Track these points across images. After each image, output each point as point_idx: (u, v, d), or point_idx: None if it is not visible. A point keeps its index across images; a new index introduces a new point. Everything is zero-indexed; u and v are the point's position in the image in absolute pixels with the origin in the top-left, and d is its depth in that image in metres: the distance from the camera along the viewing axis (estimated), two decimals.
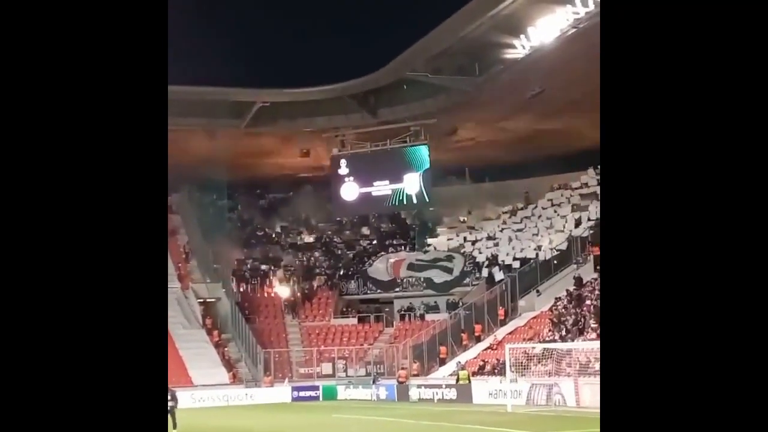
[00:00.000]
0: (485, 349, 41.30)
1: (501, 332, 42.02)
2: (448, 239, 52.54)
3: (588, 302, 37.60)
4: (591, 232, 43.51)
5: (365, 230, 57.13)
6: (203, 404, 39.86)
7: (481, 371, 38.70)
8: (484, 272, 47.67)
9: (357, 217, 56.49)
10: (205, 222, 53.65)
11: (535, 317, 41.53)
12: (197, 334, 46.69)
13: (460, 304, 46.59)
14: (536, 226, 49.53)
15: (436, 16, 36.86)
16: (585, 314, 36.84)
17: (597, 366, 28.28)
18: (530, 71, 37.56)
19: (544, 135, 46.74)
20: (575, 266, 43.01)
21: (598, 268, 39.38)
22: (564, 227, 47.45)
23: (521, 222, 50.96)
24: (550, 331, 38.29)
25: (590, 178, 48.76)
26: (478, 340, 43.16)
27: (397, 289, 50.54)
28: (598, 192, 42.54)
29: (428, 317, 48.47)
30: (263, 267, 54.45)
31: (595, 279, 39.21)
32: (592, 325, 35.00)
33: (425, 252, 51.85)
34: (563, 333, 36.93)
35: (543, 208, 50.68)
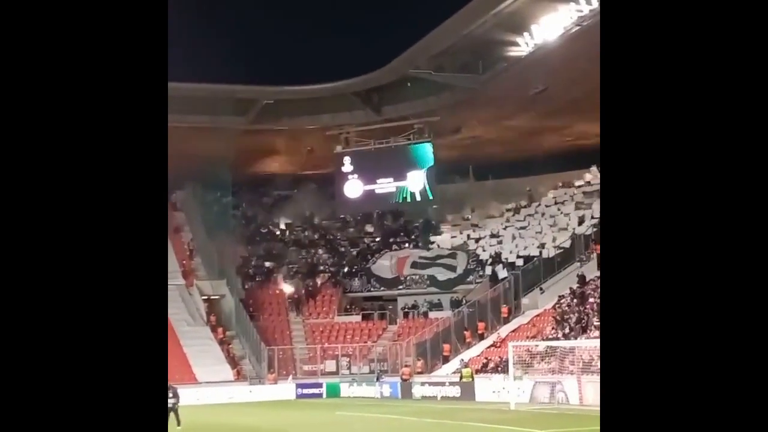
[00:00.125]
0: (488, 347, 41.33)
1: (504, 330, 42.04)
2: (452, 237, 52.55)
3: (591, 300, 37.60)
4: (594, 230, 43.51)
5: (369, 228, 57.16)
6: (207, 401, 39.92)
7: (484, 369, 38.73)
8: (488, 270, 47.70)
9: (361, 215, 56.50)
10: (209, 219, 53.73)
11: (538, 315, 41.54)
12: (201, 331, 46.78)
13: (464, 301, 46.63)
14: (540, 224, 49.55)
15: (439, 13, 36.88)
16: (588, 312, 36.84)
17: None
18: (534, 69, 37.54)
19: (548, 133, 46.73)
20: (578, 264, 43.02)
21: None
22: (567, 225, 47.47)
23: (525, 220, 50.96)
24: (553, 329, 38.31)
25: (594, 176, 48.73)
26: (482, 337, 43.20)
27: (401, 287, 50.59)
28: None
29: (432, 315, 48.53)
30: (267, 264, 54.54)
31: (599, 277, 39.20)
32: (596, 323, 34.99)
33: (429, 249, 51.88)
34: (566, 331, 36.95)
35: (546, 206, 50.69)
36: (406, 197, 47.19)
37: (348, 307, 51.93)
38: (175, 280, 47.28)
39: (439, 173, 46.83)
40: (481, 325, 43.70)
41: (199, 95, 43.39)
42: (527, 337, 39.25)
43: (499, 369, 36.85)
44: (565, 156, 48.95)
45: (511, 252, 48.04)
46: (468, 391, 36.39)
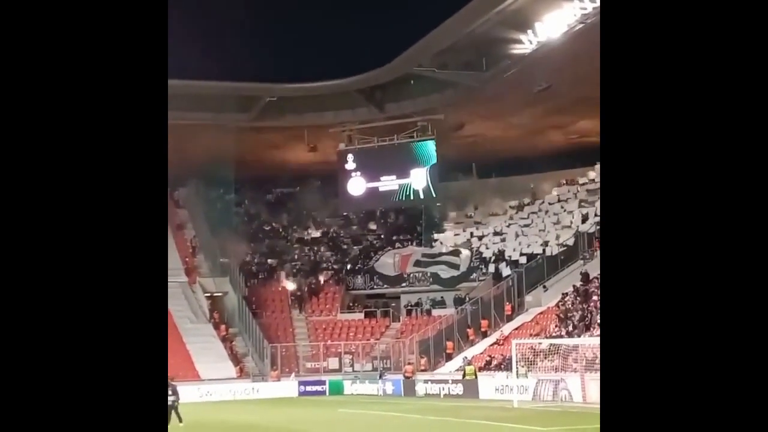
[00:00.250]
0: (492, 345, 41.32)
1: (507, 328, 42.02)
2: (455, 234, 52.53)
3: (595, 298, 37.57)
4: (598, 227, 43.46)
5: (372, 225, 57.18)
6: (210, 398, 39.98)
7: (487, 366, 38.73)
8: (491, 268, 47.69)
9: (364, 212, 56.49)
10: (212, 216, 53.78)
11: (541, 313, 41.52)
12: (204, 328, 46.83)
13: (467, 299, 46.61)
14: (543, 222, 49.52)
15: (443, 11, 36.84)
16: (592, 310, 36.82)
17: None
18: (537, 66, 37.51)
19: (551, 130, 46.67)
20: (582, 262, 43.00)
21: None
22: (571, 223, 47.43)
23: (528, 217, 50.95)
24: (556, 326, 38.30)
25: (597, 173, 48.69)
26: (485, 335, 43.18)
27: (404, 284, 50.56)
28: None
29: (435, 312, 48.53)
30: (270, 261, 54.57)
31: None
32: (599, 321, 34.97)
33: (432, 247, 51.86)
34: (570, 328, 36.94)
35: (550, 204, 50.66)
36: (409, 195, 47.15)
37: (351, 304, 51.97)
38: (177, 277, 47.33)
39: (443, 171, 46.78)
40: (484, 322, 43.69)
41: (203, 92, 43.43)
42: (530, 335, 39.24)
43: (503, 367, 36.85)
44: (569, 153, 48.91)
45: (514, 250, 48.02)
46: (471, 388, 36.40)
